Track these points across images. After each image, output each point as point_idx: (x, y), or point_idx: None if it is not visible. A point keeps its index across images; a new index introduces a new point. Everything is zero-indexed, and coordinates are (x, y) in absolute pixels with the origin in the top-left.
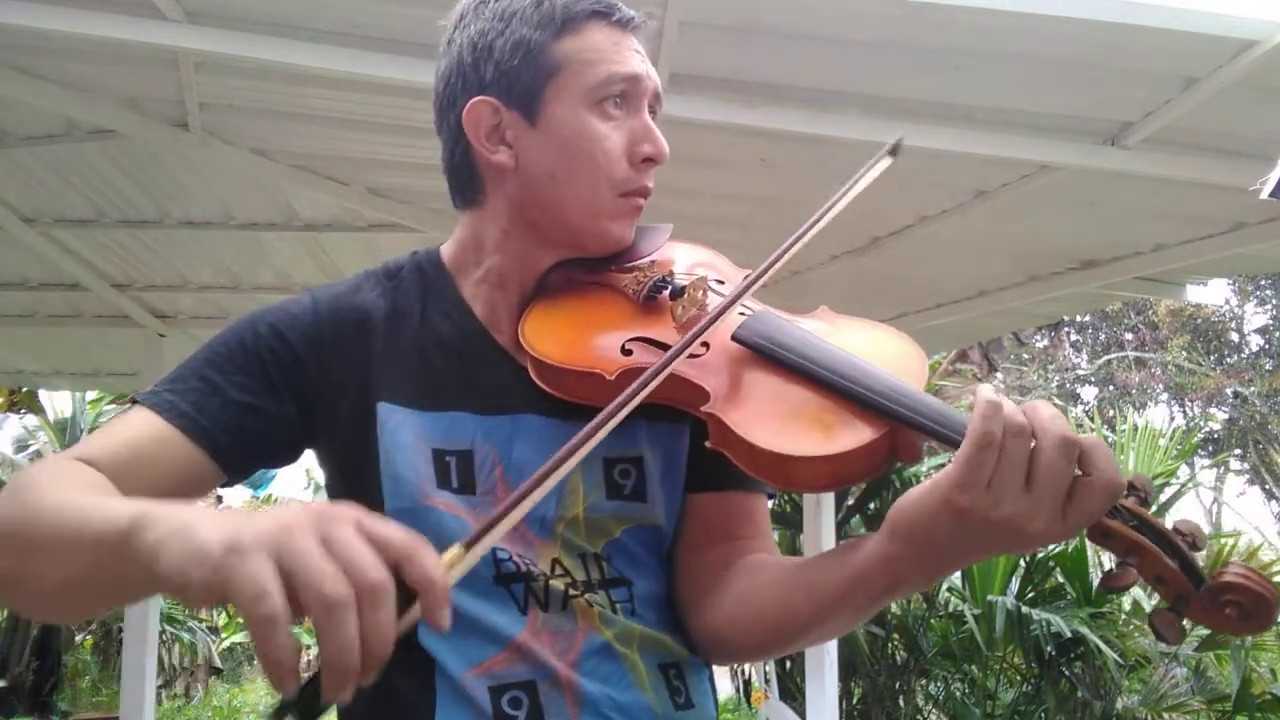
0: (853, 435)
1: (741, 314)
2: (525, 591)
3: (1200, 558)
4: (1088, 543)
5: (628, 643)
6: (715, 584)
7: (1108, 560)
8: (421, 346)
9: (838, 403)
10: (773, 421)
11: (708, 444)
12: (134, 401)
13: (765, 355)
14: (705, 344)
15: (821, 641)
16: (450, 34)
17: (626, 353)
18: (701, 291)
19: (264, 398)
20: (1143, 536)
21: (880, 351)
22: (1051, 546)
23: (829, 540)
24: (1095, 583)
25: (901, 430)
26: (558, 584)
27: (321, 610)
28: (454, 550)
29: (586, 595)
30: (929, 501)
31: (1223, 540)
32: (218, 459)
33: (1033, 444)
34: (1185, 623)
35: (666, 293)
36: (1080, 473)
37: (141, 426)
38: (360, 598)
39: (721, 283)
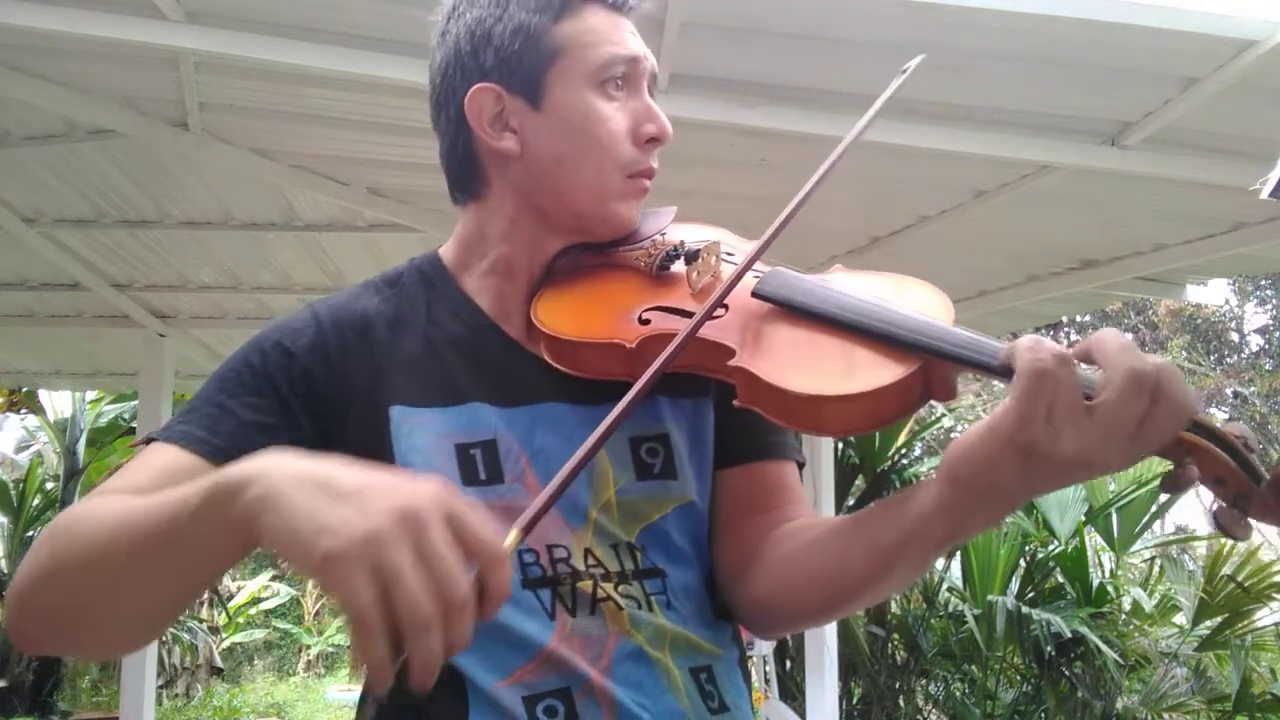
0: (885, 372)
1: (756, 276)
2: (552, 597)
3: (1255, 459)
4: (1086, 545)
5: (659, 645)
6: (758, 554)
7: (1108, 561)
8: (432, 346)
9: (866, 344)
10: (802, 366)
11: (736, 402)
12: (148, 441)
13: (787, 306)
14: (724, 306)
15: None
16: (444, 26)
17: (644, 322)
18: (715, 257)
19: (278, 416)
20: (1199, 438)
21: (903, 294)
22: (1051, 547)
23: None
24: (1096, 583)
25: (934, 364)
26: (585, 586)
27: (412, 627)
28: (514, 535)
29: (620, 588)
30: (990, 443)
31: (1223, 540)
32: None
33: (1099, 375)
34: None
35: (680, 261)
36: (1152, 400)
37: (160, 458)
38: (448, 614)
39: (731, 254)
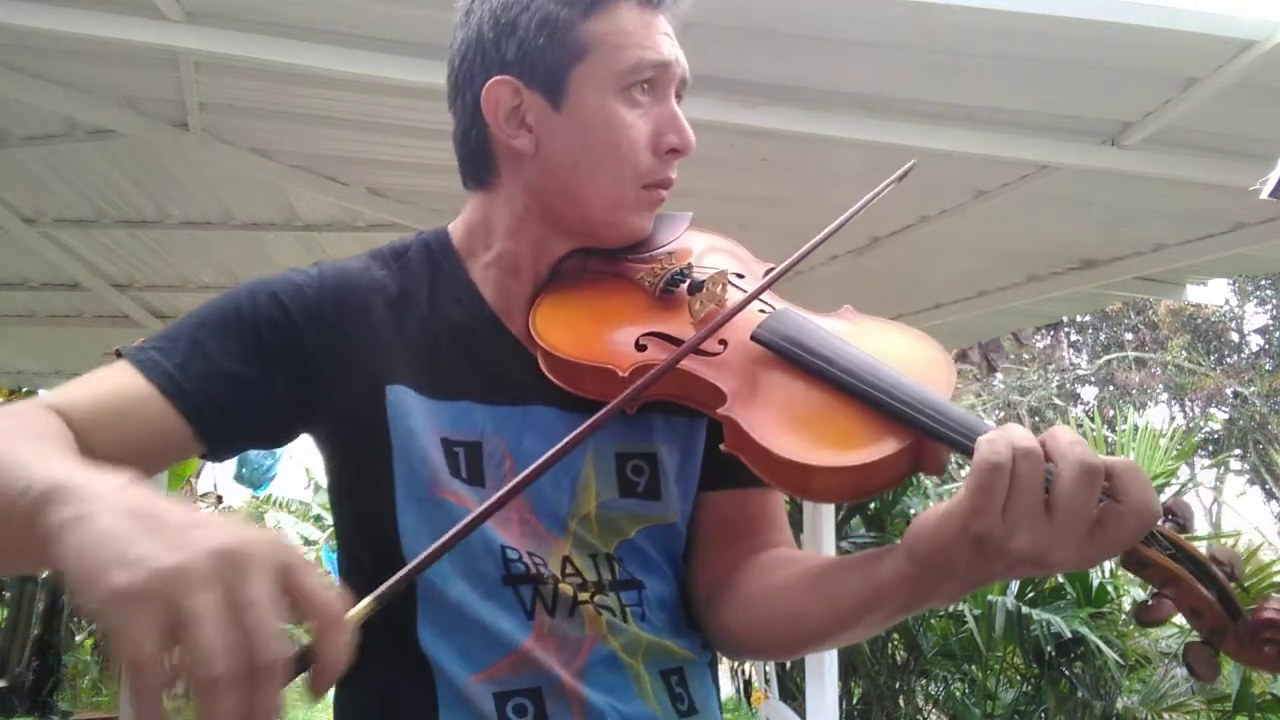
0: (876, 446)
1: (762, 311)
2: (533, 595)
3: (1235, 593)
4: None
5: (633, 653)
6: (731, 582)
7: (1108, 561)
8: (431, 331)
9: (861, 410)
10: (792, 428)
11: (722, 447)
12: (119, 354)
13: (786, 357)
14: (724, 341)
15: (835, 647)
16: (469, 4)
17: (641, 348)
18: (720, 286)
19: (255, 369)
20: (1180, 566)
21: (906, 356)
22: None
23: (829, 540)
24: (1096, 583)
25: (927, 442)
26: (566, 589)
27: (199, 685)
28: (365, 604)
29: (597, 598)
30: (945, 528)
31: (1223, 540)
32: (197, 428)
33: (1050, 469)
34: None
35: (684, 286)
36: (1111, 500)
37: (120, 382)
38: (249, 677)
39: (741, 276)
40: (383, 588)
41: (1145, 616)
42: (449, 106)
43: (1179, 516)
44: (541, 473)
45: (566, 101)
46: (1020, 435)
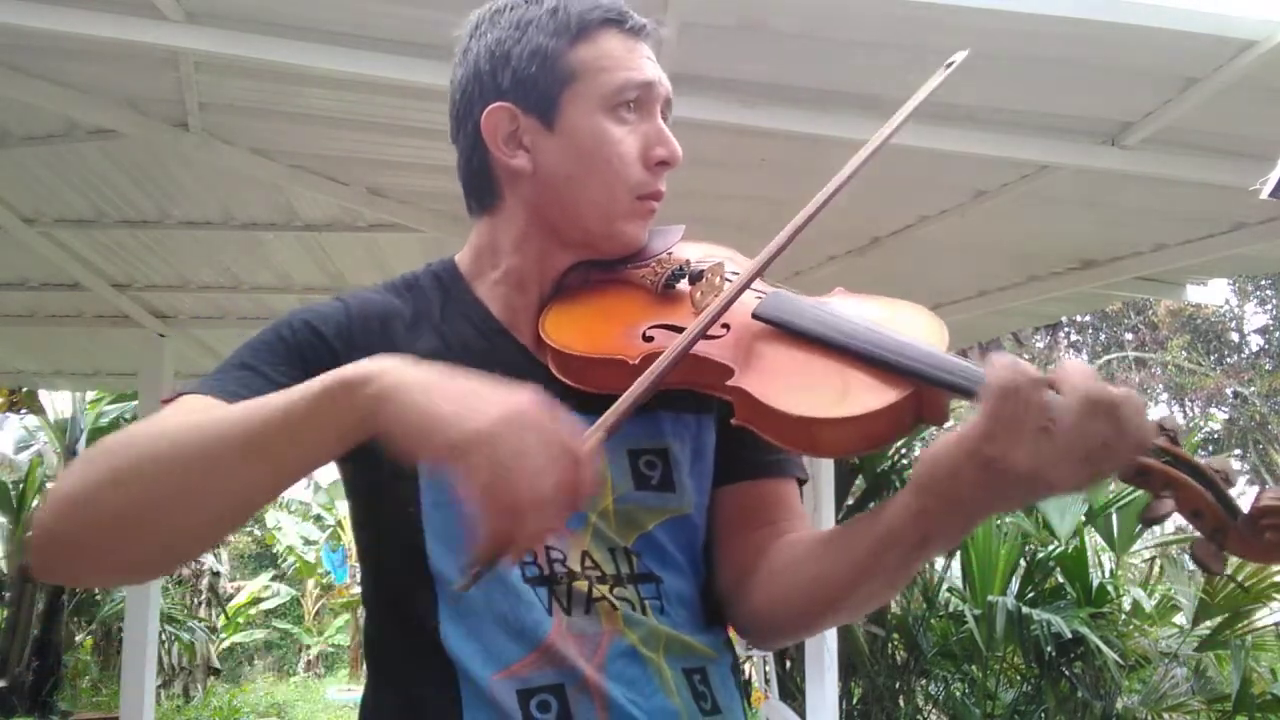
0: (877, 396)
1: (757, 297)
2: (549, 595)
3: (1233, 493)
4: (1086, 545)
5: (654, 646)
6: (754, 569)
7: (1108, 561)
8: (446, 345)
9: (861, 367)
10: (797, 388)
11: (734, 420)
12: (175, 397)
13: (786, 329)
14: (725, 326)
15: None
16: (466, 43)
17: (648, 339)
18: (719, 277)
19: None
20: (1177, 471)
21: (900, 318)
22: (1051, 547)
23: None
24: (1096, 583)
25: (926, 390)
26: (581, 585)
27: (501, 513)
28: (598, 435)
29: (615, 591)
30: (954, 453)
31: None
32: None
33: (1059, 399)
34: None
35: (685, 280)
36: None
37: (192, 403)
38: (535, 507)
39: (737, 274)
40: (605, 418)
41: (1149, 514)
42: (452, 140)
43: (1170, 430)
44: (657, 384)
45: (559, 122)
46: (1026, 366)
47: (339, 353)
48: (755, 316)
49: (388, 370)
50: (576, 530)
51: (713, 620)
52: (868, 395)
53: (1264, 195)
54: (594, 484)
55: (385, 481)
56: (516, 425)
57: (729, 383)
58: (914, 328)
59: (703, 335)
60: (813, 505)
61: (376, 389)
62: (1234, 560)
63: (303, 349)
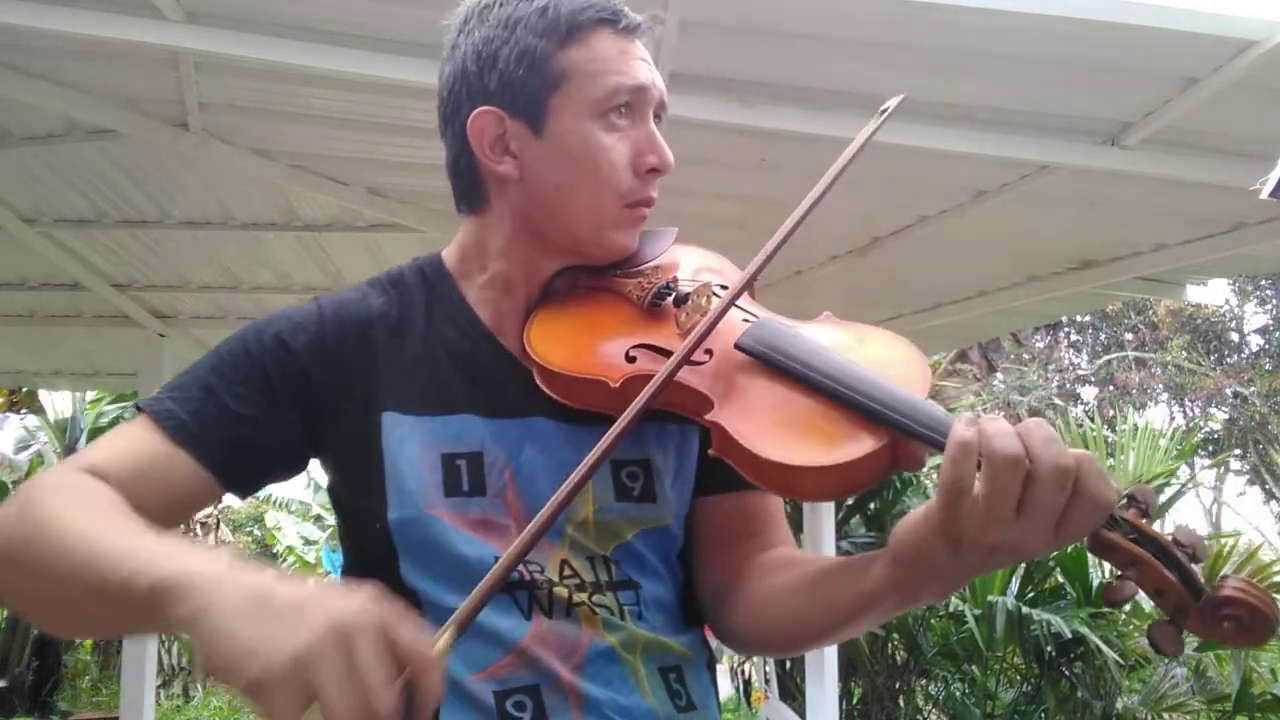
0: (855, 445)
1: (745, 320)
2: (529, 599)
3: (1200, 569)
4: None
5: (631, 649)
6: (736, 583)
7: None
8: (428, 351)
9: (840, 412)
10: (776, 431)
11: (710, 451)
12: (138, 408)
13: (768, 363)
14: (709, 351)
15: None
16: (454, 39)
17: (630, 360)
18: (705, 299)
19: (265, 408)
20: (1142, 549)
21: (883, 359)
22: None
23: (829, 540)
24: (1095, 583)
25: (903, 440)
26: (562, 591)
27: None
28: (448, 634)
29: (594, 598)
30: (923, 531)
31: (1222, 540)
32: (216, 473)
33: (1027, 468)
34: (1184, 635)
35: (670, 299)
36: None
37: (141, 438)
38: None
39: (725, 289)
40: (461, 610)
41: (1110, 596)
42: (440, 136)
43: (1141, 502)
44: (569, 499)
45: (547, 128)
46: (996, 432)
47: (309, 368)
48: (738, 347)
49: (205, 590)
50: (554, 543)
51: (690, 621)
52: (846, 444)
53: (1264, 195)
54: (435, 694)
55: (359, 503)
56: (341, 643)
57: (709, 416)
58: (897, 368)
59: (684, 363)
60: (810, 510)
61: (187, 611)
62: (1234, 560)
63: (267, 366)
